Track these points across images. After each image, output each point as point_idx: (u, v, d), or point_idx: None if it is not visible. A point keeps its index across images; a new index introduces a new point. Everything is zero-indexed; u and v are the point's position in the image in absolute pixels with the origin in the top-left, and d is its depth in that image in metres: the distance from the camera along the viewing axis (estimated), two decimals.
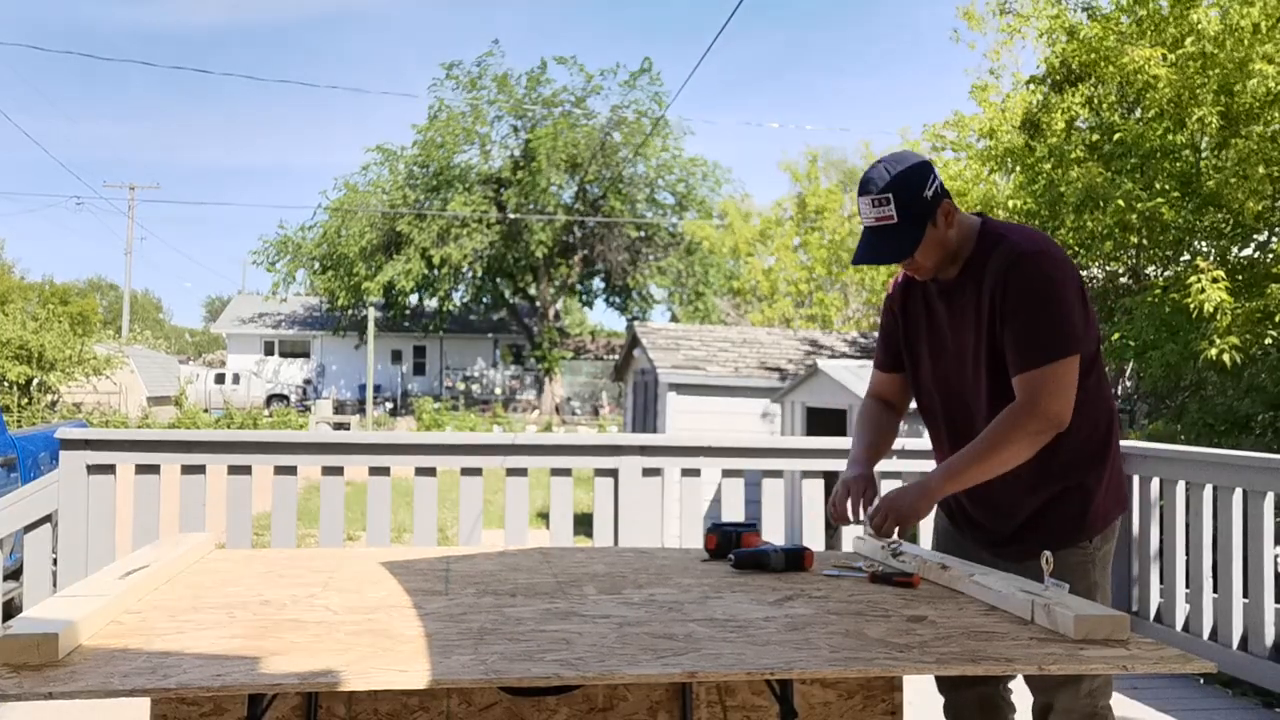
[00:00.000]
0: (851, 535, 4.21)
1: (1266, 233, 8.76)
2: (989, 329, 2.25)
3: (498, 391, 40.86)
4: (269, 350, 43.30)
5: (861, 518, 2.37)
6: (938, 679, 2.44)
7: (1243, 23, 7.86)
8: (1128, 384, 10.36)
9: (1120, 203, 8.31)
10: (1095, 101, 9.38)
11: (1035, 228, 2.84)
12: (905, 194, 2.22)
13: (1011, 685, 2.46)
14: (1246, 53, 7.87)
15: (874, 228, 2.26)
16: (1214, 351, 7.34)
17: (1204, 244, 9.13)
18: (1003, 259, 2.22)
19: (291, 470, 4.12)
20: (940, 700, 2.48)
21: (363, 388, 36.37)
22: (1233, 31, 7.96)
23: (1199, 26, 8.12)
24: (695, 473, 4.55)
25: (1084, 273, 9.35)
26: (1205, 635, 4.33)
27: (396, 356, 41.53)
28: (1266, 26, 7.93)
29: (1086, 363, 2.23)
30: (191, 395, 36.73)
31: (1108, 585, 2.37)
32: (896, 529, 2.27)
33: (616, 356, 20.54)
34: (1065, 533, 2.28)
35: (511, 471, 4.25)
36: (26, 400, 23.40)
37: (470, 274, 37.12)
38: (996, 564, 2.31)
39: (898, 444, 4.51)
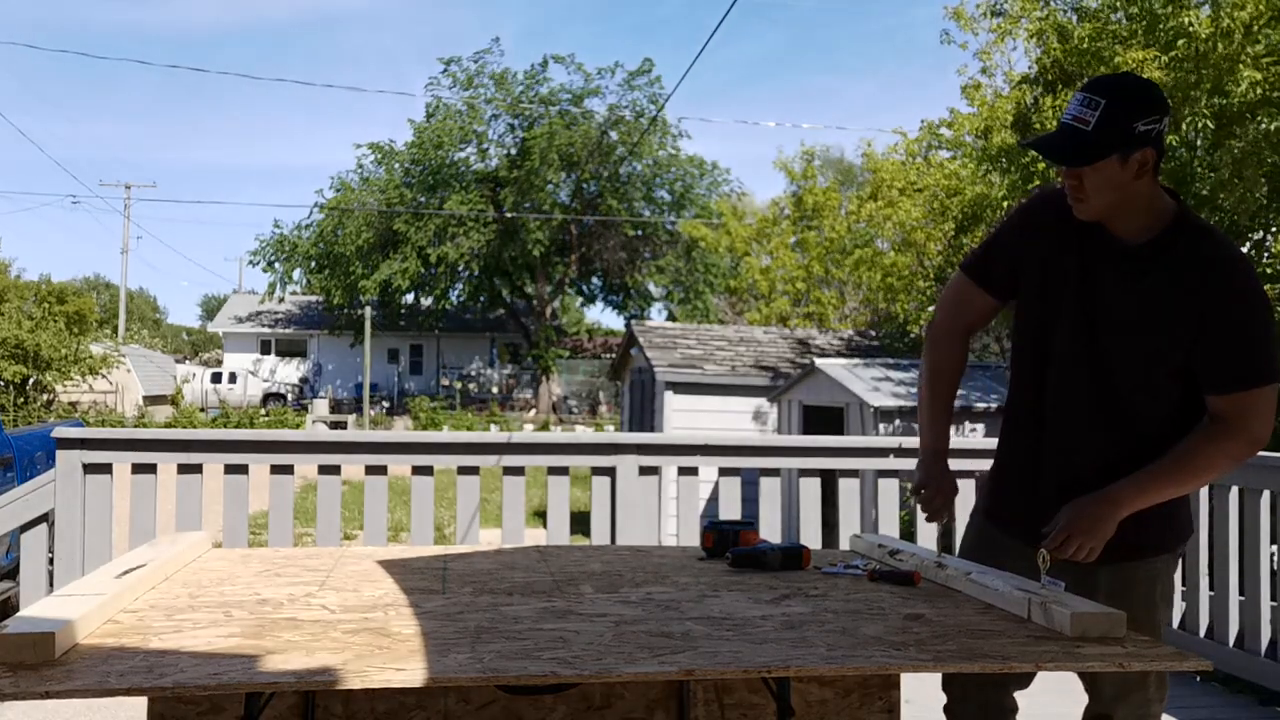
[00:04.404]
0: (849, 534, 4.21)
1: (1261, 232, 8.77)
2: (1177, 329, 2.07)
3: (494, 390, 40.82)
4: (265, 349, 43.22)
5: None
6: (945, 683, 2.38)
7: (1234, 26, 7.86)
8: None
9: None
10: None
11: None
12: (1117, 110, 2.00)
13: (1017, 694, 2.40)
14: (1235, 54, 7.87)
15: (1066, 124, 2.05)
16: None
17: None
18: (1212, 260, 2.06)
19: (288, 469, 4.12)
20: (938, 698, 2.48)
21: (359, 387, 36.31)
22: (1224, 35, 7.96)
23: (1190, 30, 8.13)
24: (693, 471, 4.56)
25: None
26: (1202, 633, 4.34)
27: (393, 355, 41.47)
28: (1257, 26, 7.94)
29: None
30: (188, 394, 36.73)
31: (1170, 608, 2.29)
32: (1084, 553, 2.08)
33: (614, 355, 20.52)
34: (1145, 545, 2.21)
35: (508, 470, 4.25)
36: (22, 399, 23.39)
37: (467, 273, 37.07)
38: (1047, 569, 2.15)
39: (894, 442, 4.54)
